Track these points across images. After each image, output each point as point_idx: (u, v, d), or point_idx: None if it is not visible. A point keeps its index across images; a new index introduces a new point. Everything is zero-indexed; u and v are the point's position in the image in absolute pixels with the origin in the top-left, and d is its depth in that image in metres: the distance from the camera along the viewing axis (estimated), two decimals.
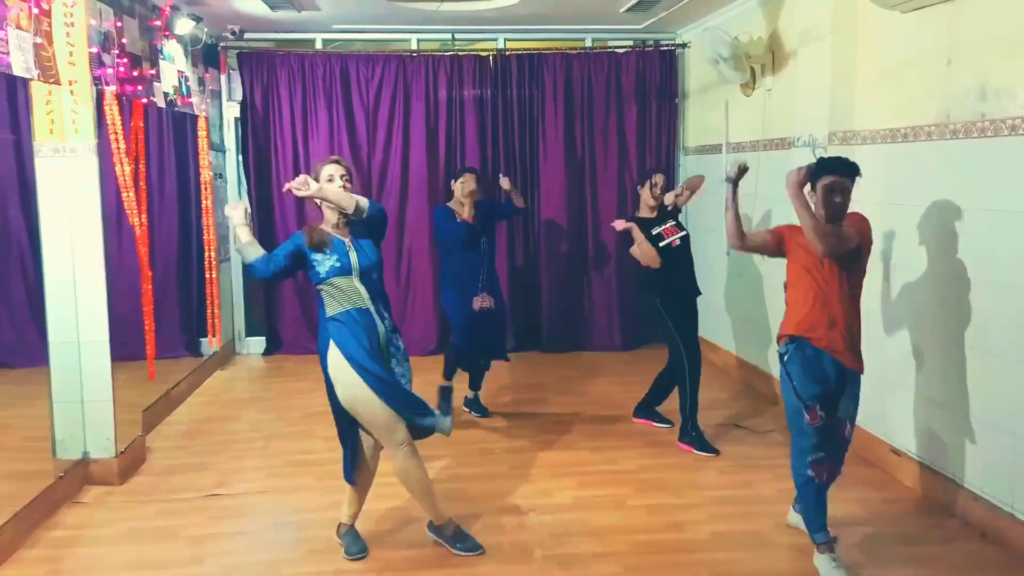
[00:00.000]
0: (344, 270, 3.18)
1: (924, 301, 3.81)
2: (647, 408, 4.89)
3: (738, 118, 5.84)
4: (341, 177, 3.23)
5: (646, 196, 4.67)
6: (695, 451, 4.42)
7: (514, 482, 4.07)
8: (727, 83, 5.72)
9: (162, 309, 5.28)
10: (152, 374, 4.66)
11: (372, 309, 3.21)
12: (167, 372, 5.35)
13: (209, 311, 6.01)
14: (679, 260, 4.64)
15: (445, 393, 4.97)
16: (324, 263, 3.17)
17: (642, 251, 4.56)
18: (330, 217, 3.26)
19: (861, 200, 4.30)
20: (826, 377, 3.18)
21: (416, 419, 3.25)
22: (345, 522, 3.39)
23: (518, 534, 3.51)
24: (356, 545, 3.34)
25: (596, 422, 4.99)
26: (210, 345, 6.12)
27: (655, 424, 4.83)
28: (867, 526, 3.54)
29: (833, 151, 4.37)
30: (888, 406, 4.12)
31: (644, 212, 4.69)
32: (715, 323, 6.21)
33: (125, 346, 4.48)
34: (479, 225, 4.85)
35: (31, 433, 4.22)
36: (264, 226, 6.41)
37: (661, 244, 4.62)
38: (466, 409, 5.16)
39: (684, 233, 4.67)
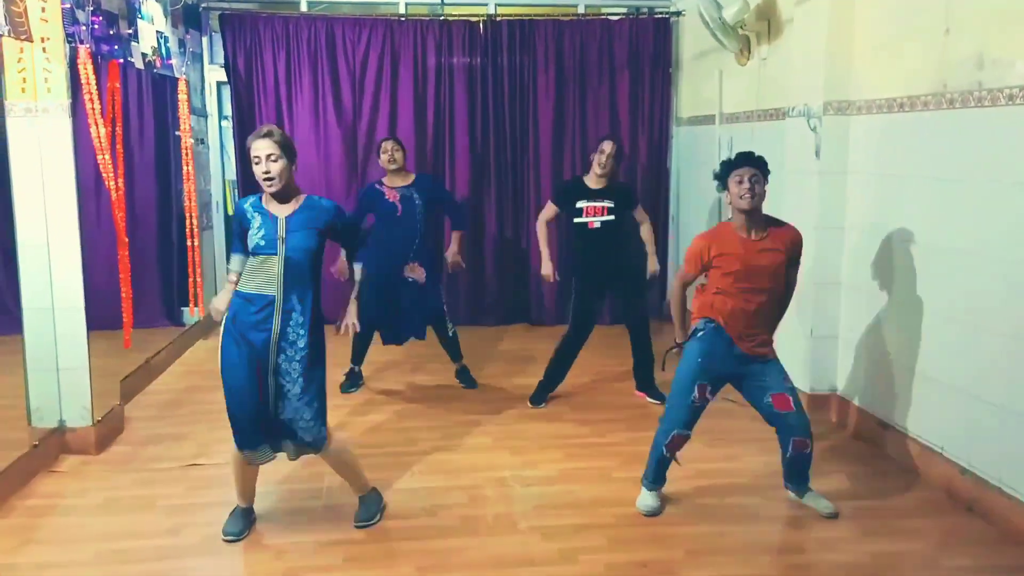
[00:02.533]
0: (267, 250, 3.00)
1: (917, 274, 3.76)
2: (645, 381, 4.84)
3: (732, 88, 5.74)
4: (267, 158, 2.94)
5: (594, 164, 4.56)
6: (532, 405, 4.65)
7: (499, 454, 4.02)
8: (722, 51, 5.61)
9: (142, 277, 5.17)
10: (128, 343, 4.56)
11: (279, 297, 3.00)
12: (147, 341, 5.26)
13: (191, 280, 5.90)
14: (596, 243, 4.56)
15: (352, 378, 4.96)
16: (252, 237, 3.01)
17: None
18: (268, 185, 3.00)
19: (857, 172, 4.26)
20: (732, 364, 3.30)
21: (237, 438, 3.10)
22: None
23: (502, 505, 3.46)
24: (233, 525, 3.22)
25: (583, 395, 4.94)
26: (192, 315, 6.02)
27: (649, 399, 4.79)
28: (855, 499, 3.52)
29: (828, 121, 4.31)
30: (877, 380, 4.09)
31: (591, 179, 4.59)
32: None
33: (104, 314, 4.39)
34: (416, 194, 4.75)
35: (6, 401, 4.12)
36: (249, 193, 6.28)
37: (576, 220, 4.53)
38: (457, 380, 5.10)
39: (610, 219, 4.54)
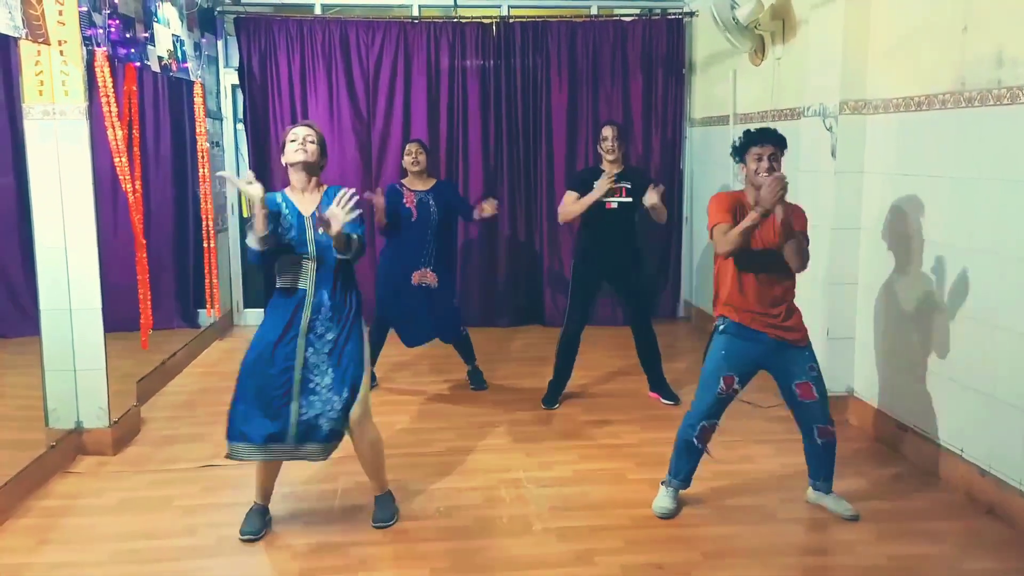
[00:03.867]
0: (300, 249, 3.06)
1: (935, 274, 3.72)
2: (656, 381, 4.82)
3: (746, 88, 5.72)
4: (305, 138, 3.06)
5: (604, 152, 4.54)
6: (545, 406, 4.67)
7: (513, 455, 4.01)
8: (735, 52, 5.58)
9: (159, 279, 5.20)
10: (145, 344, 4.59)
11: (310, 291, 3.06)
12: (163, 343, 5.29)
13: (207, 281, 5.94)
14: (609, 225, 4.54)
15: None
16: (284, 228, 3.06)
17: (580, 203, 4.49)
18: (296, 181, 3.10)
19: (873, 171, 4.22)
20: (761, 353, 3.26)
21: (229, 427, 3.10)
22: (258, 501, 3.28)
23: (517, 507, 3.45)
24: (251, 524, 3.21)
25: (597, 396, 4.93)
26: (208, 316, 6.05)
27: (662, 400, 4.76)
28: (874, 501, 3.48)
29: (844, 121, 4.27)
30: (894, 381, 4.05)
31: (606, 166, 4.57)
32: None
33: (120, 316, 4.42)
34: (433, 199, 4.76)
35: (24, 402, 4.16)
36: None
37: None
38: (468, 381, 5.11)
39: (627, 200, 4.51)
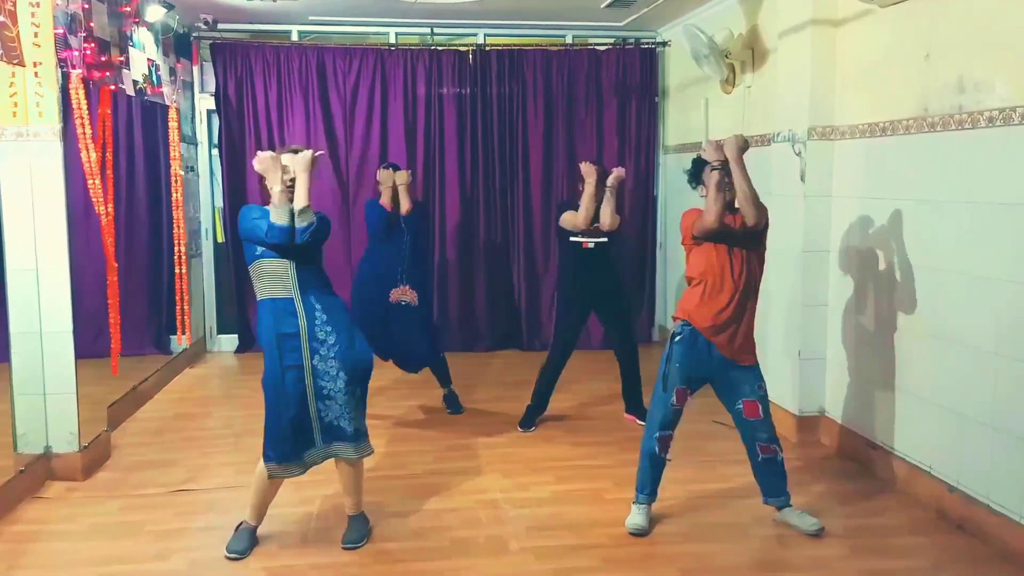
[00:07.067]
0: (277, 254, 3.08)
1: (903, 294, 3.81)
2: (634, 404, 4.85)
3: (718, 115, 5.83)
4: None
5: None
6: (522, 429, 4.69)
7: (491, 477, 4.01)
8: (708, 80, 5.71)
9: (130, 305, 5.14)
10: (115, 369, 4.52)
11: (296, 297, 3.10)
12: (135, 369, 5.22)
13: (179, 307, 5.88)
14: (589, 263, 4.64)
15: None
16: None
17: (583, 206, 4.54)
18: (281, 201, 3.05)
19: (840, 195, 4.32)
20: (710, 368, 3.37)
21: (269, 450, 3.13)
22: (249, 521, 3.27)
23: (494, 527, 3.44)
24: (240, 543, 3.20)
25: (574, 418, 4.95)
26: (179, 342, 5.98)
27: (639, 421, 4.78)
28: (846, 518, 3.53)
29: (813, 146, 4.38)
30: (865, 400, 4.11)
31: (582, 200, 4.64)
32: None
33: (92, 342, 4.36)
34: (404, 220, 4.81)
35: None
36: (236, 219, 6.24)
37: (571, 239, 4.63)
38: (444, 405, 5.10)
39: (603, 240, 4.62)
